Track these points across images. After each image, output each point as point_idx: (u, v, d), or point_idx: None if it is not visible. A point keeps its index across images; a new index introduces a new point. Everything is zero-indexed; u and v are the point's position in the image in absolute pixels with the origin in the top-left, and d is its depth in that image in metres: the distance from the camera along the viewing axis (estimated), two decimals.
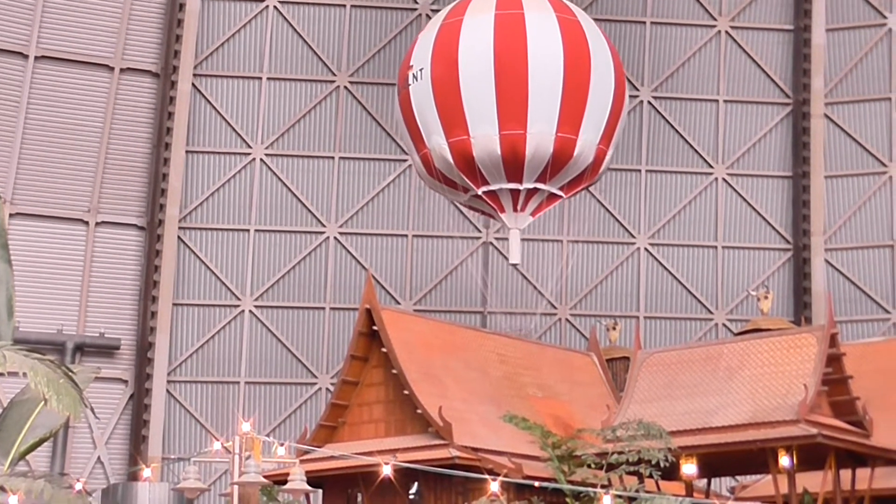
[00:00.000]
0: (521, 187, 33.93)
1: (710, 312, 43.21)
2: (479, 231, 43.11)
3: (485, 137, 33.18)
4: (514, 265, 35.70)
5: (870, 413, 28.60)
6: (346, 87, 42.88)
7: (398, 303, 41.81)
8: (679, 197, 43.65)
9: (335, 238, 42.41)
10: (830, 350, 28.06)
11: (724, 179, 43.91)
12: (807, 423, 26.51)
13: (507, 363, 32.27)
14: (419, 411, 28.15)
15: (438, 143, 34.07)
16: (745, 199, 43.71)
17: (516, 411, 28.96)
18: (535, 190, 34.20)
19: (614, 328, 37.87)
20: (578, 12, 34.60)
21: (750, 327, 34.16)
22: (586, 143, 33.48)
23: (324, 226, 42.44)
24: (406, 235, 42.80)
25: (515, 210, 34.60)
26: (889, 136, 43.23)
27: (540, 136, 32.96)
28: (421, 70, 34.16)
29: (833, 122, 43.58)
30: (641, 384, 30.12)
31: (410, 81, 34.38)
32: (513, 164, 33.39)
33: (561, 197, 34.87)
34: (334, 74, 42.84)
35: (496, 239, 43.05)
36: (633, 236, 43.36)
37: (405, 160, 42.99)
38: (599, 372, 34.63)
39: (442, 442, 27.46)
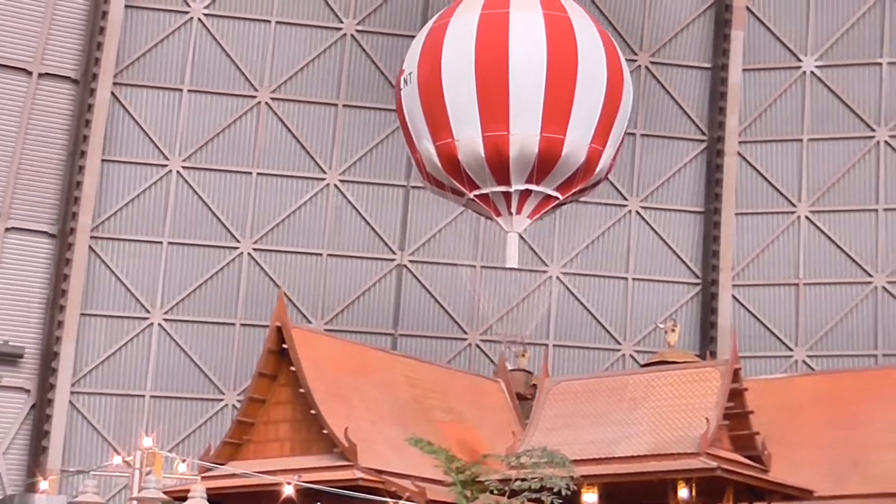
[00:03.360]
0: (510, 189, 33.85)
1: (619, 343, 43.59)
2: (394, 253, 43.13)
3: (469, 140, 33.14)
4: (511, 268, 35.74)
5: (769, 448, 29.01)
6: (267, 104, 42.72)
7: (309, 321, 41.67)
8: (593, 227, 43.98)
9: (249, 254, 42.19)
10: (733, 385, 28.45)
11: (637, 212, 44.38)
12: (707, 457, 26.81)
13: (415, 386, 32.23)
14: (325, 431, 28.01)
15: (427, 147, 34.05)
16: (656, 233, 44.21)
17: (423, 434, 28.82)
18: (529, 192, 34.09)
19: (523, 355, 37.98)
20: (571, 8, 34.19)
21: (656, 359, 34.47)
22: (575, 142, 33.24)
23: (238, 241, 42.19)
24: (320, 254, 42.69)
25: (511, 213, 34.48)
26: (799, 176, 43.96)
27: (524, 137, 32.78)
28: (410, 74, 34.11)
29: (746, 160, 44.24)
30: (547, 412, 30.31)
31: (402, 86, 34.40)
32: (498, 166, 33.30)
33: (557, 198, 34.65)
34: (256, 90, 42.67)
35: (410, 262, 43.12)
36: (546, 265, 43.61)
37: (323, 179, 42.96)
38: (507, 398, 34.72)
39: (346, 463, 27.35)
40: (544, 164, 33.36)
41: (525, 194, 34.17)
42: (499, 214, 34.73)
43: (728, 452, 28.09)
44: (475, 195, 34.31)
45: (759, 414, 29.78)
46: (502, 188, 33.98)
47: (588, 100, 33.29)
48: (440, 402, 32.35)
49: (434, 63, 33.45)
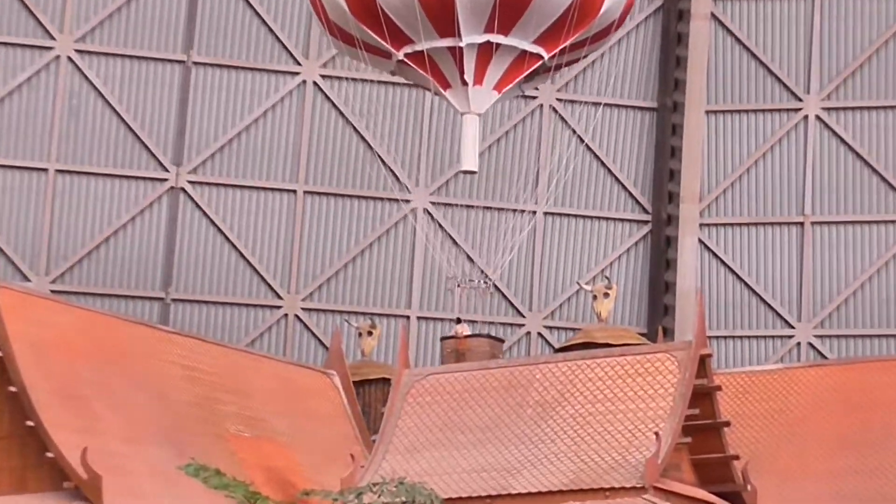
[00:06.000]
0: (461, 44, 33.99)
1: (521, 315, 43.93)
2: (166, 170, 42.85)
3: None
4: (467, 173, 36.34)
5: (753, 480, 29.46)
6: None
7: (27, 279, 41.35)
8: (483, 134, 44.05)
9: None
10: (698, 381, 28.73)
11: (551, 108, 44.62)
12: (657, 493, 27.16)
13: (198, 382, 32.19)
14: (50, 454, 27.87)
15: None
16: (582, 141, 44.43)
17: (209, 458, 28.80)
18: (492, 47, 34.21)
19: (370, 332, 38.08)
20: None
21: (578, 340, 34.81)
22: None
23: None
24: (45, 170, 42.38)
25: (465, 83, 34.65)
26: (808, 53, 44.58)
27: None
28: None
29: (722, 25, 44.71)
30: (407, 423, 30.40)
31: None
32: (438, 5, 33.44)
33: (541, 58, 34.74)
34: None
35: (191, 183, 42.87)
36: (408, 190, 43.63)
37: (50, 48, 42.44)
38: (343, 400, 34.84)
39: None
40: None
41: (486, 51, 34.34)
42: (447, 86, 34.94)
43: (689, 487, 28.49)
44: (406, 55, 34.48)
45: (740, 426, 30.19)
46: (448, 42, 34.20)
47: None
48: (237, 406, 32.36)
49: None
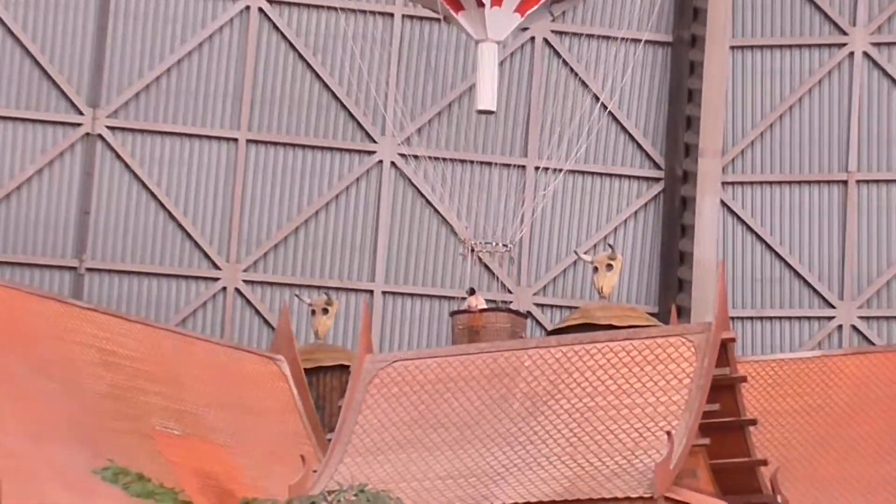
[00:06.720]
0: None
1: (507, 290, 43.96)
2: (80, 113, 42.75)
3: None
4: (484, 112, 37.00)
5: (783, 489, 29.50)
6: None
7: None
8: (458, 70, 44.13)
9: None
10: (719, 370, 28.75)
11: (545, 41, 44.60)
12: None
13: (117, 368, 32.22)
14: None
15: None
16: (581, 81, 44.44)
17: (130, 460, 28.81)
18: None
19: (325, 310, 38.12)
20: None
21: (576, 320, 34.93)
22: None
23: None
24: None
25: (480, 4, 35.21)
26: None
27: None
28: None
29: None
30: (369, 418, 30.39)
31: None
32: None
33: None
34: None
35: (110, 128, 42.76)
36: (373, 140, 43.60)
37: None
38: (292, 391, 34.87)
39: None
40: None
41: None
42: (459, 8, 35.53)
43: (707, 498, 28.52)
44: None
45: (769, 425, 30.22)
46: None
47: None
48: (165, 398, 32.40)
49: None
